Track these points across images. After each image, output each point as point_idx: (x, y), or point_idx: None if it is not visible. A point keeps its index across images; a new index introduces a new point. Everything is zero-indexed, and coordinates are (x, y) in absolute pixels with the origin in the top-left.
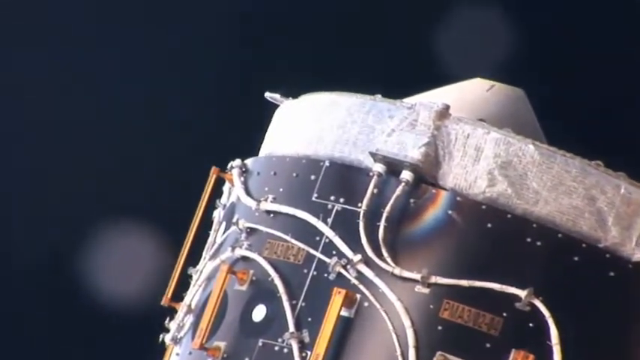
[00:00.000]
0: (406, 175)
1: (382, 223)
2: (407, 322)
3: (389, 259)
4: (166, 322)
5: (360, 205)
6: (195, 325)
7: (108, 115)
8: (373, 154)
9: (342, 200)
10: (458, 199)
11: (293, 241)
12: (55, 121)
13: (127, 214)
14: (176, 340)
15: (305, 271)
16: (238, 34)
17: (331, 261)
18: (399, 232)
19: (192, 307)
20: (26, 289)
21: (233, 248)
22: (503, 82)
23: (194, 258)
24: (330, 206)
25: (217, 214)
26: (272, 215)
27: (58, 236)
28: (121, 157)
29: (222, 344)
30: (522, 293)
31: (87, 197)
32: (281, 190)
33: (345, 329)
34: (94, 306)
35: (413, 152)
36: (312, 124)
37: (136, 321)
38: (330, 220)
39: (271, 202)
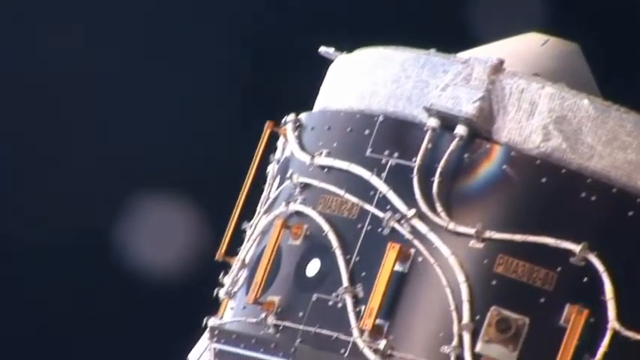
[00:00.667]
0: (460, 129)
1: (436, 178)
2: (461, 277)
3: (443, 214)
4: (220, 276)
5: (414, 159)
6: (249, 280)
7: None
8: (427, 109)
9: (396, 155)
10: (512, 153)
11: (347, 195)
12: (91, 89)
13: (170, 184)
14: (230, 295)
15: (359, 225)
16: None
17: (385, 216)
18: (453, 187)
19: (247, 261)
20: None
21: (287, 203)
22: (558, 37)
23: (248, 213)
24: (384, 161)
25: (271, 169)
26: (326, 170)
27: (97, 207)
28: (167, 121)
29: (276, 298)
30: (577, 248)
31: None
32: (335, 144)
33: (399, 284)
34: (134, 278)
35: (467, 107)
36: (365, 79)
37: (177, 292)
38: (384, 175)
39: (325, 156)
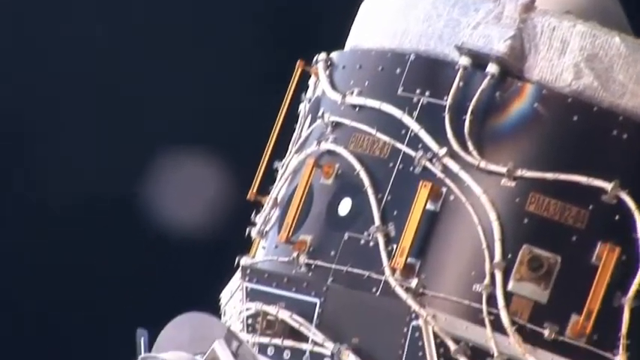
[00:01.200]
0: (492, 68)
1: (468, 117)
2: (493, 216)
3: (474, 153)
4: (252, 215)
5: (445, 98)
6: (281, 219)
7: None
8: (459, 48)
9: (427, 94)
10: (544, 92)
11: (378, 134)
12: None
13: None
14: (262, 234)
15: (390, 164)
16: None
17: (417, 154)
18: (484, 126)
19: (278, 200)
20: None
21: (318, 142)
22: None
23: (280, 152)
24: (415, 100)
25: (303, 108)
26: (357, 109)
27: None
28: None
29: (308, 238)
30: (608, 186)
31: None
32: (366, 83)
33: (430, 223)
34: (162, 233)
35: (499, 45)
36: (397, 18)
37: (204, 247)
38: (415, 114)
39: (356, 95)
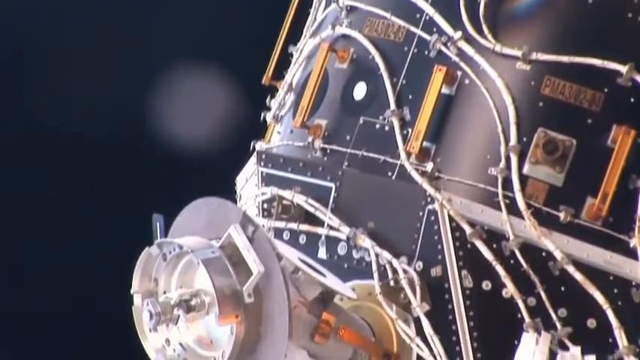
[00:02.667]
0: None
1: (482, 0)
2: (508, 99)
3: (489, 36)
4: (267, 100)
5: None
6: (296, 104)
7: None
8: None
9: None
10: None
11: (393, 18)
12: None
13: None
14: (277, 119)
15: (405, 48)
16: None
17: (432, 38)
18: (499, 9)
19: (293, 85)
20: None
21: (333, 26)
22: None
23: (295, 36)
24: None
25: None
26: None
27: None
28: None
29: (323, 122)
30: (623, 68)
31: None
32: None
33: (446, 107)
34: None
35: None
36: None
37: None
38: None
39: None
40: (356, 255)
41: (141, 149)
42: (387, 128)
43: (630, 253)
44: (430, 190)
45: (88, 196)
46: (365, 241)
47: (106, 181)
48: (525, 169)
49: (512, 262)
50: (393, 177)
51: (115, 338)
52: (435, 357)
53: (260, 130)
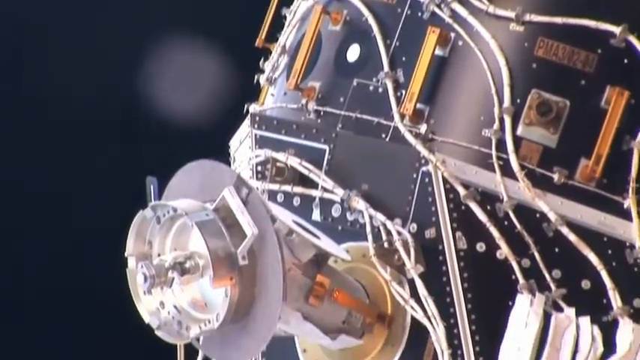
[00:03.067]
0: None
1: None
2: (501, 61)
3: None
4: (261, 62)
5: None
6: (289, 66)
7: None
8: None
9: None
10: None
11: None
12: None
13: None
14: (271, 81)
15: (399, 10)
16: None
17: (425, 0)
18: None
19: (287, 47)
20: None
21: None
22: None
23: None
24: None
25: None
26: None
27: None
28: None
29: (316, 84)
30: (617, 29)
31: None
32: None
33: (439, 68)
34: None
35: None
36: None
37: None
38: None
39: None
40: (350, 217)
41: (135, 113)
42: (380, 90)
43: (624, 214)
44: (424, 151)
45: (82, 169)
46: (359, 203)
47: (98, 151)
48: (519, 131)
49: (506, 223)
50: (387, 139)
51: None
52: (429, 319)
53: (253, 93)
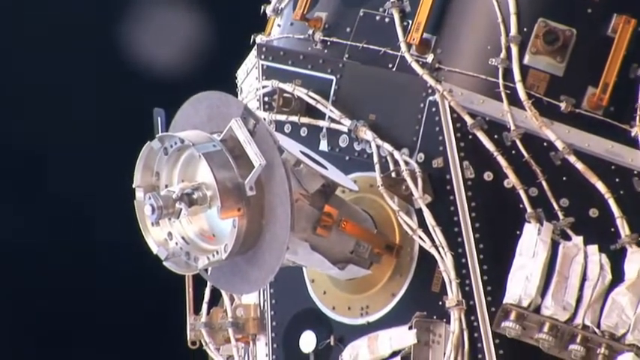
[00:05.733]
0: None
1: None
2: None
3: None
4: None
5: None
6: None
7: None
8: None
9: None
10: None
11: None
12: None
13: None
14: (277, 12)
15: None
16: None
17: None
18: None
19: None
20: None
21: None
22: None
23: None
24: None
25: None
26: None
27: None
28: None
29: (323, 14)
30: None
31: None
32: None
33: None
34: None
35: None
36: None
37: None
38: None
39: None
40: (357, 147)
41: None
42: (387, 20)
43: (632, 142)
44: (431, 81)
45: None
46: (366, 134)
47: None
48: (526, 60)
49: (513, 152)
50: (394, 69)
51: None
52: (437, 248)
53: (260, 24)
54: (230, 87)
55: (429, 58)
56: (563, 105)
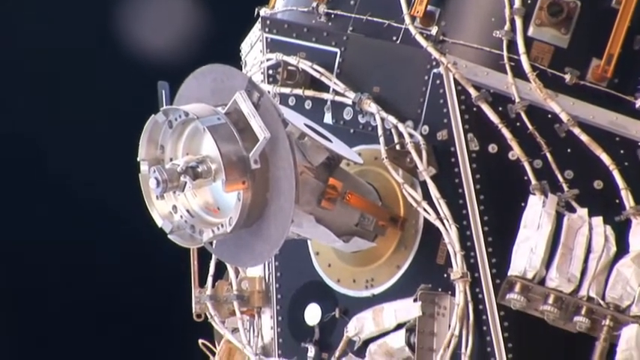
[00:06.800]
0: None
1: None
2: None
3: None
4: None
5: None
6: None
7: None
8: None
9: None
10: None
11: None
12: None
13: None
14: None
15: None
16: None
17: None
18: None
19: None
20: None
21: None
22: None
23: None
24: None
25: None
26: None
27: None
28: None
29: None
30: None
31: None
32: None
33: None
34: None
35: None
36: None
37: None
38: None
39: None
40: (362, 120)
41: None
42: None
43: (636, 114)
44: (435, 53)
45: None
46: (370, 106)
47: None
48: (530, 32)
49: (517, 124)
50: (398, 41)
51: None
52: (441, 220)
53: None
54: (234, 60)
55: (433, 30)
56: (567, 77)
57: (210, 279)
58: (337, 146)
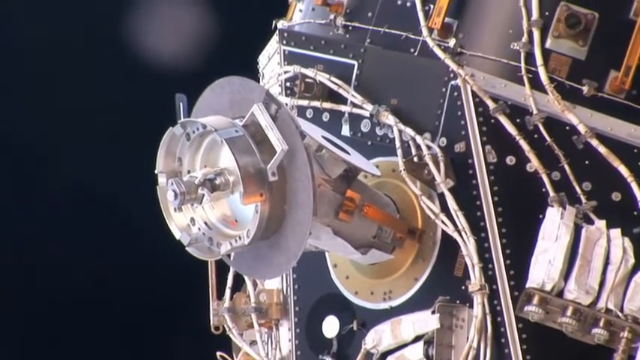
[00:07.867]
0: None
1: None
2: None
3: None
4: None
5: None
6: None
7: None
8: None
9: None
10: None
11: None
12: None
13: None
14: None
15: None
16: None
17: None
18: None
19: None
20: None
21: None
22: None
23: None
24: None
25: None
26: None
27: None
28: None
29: None
30: None
31: None
32: None
33: None
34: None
35: None
36: None
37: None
38: None
39: None
40: (379, 132)
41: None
42: (408, 4)
43: None
44: (453, 65)
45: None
46: (388, 118)
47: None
48: (548, 44)
49: (535, 136)
50: (416, 53)
51: None
52: (459, 232)
53: (282, 9)
54: (252, 73)
55: (451, 42)
56: (585, 89)
57: (228, 291)
58: (355, 158)
